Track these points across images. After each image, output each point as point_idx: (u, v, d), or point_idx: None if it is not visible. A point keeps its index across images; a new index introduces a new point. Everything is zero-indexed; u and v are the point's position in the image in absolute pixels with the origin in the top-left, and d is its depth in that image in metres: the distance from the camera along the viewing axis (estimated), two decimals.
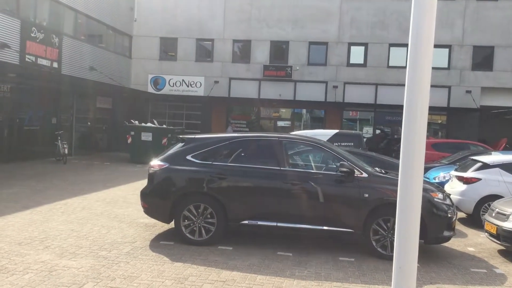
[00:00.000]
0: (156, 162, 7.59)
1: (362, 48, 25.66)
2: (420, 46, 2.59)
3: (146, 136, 19.82)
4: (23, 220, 8.18)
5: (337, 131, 15.42)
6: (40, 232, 7.42)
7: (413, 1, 2.63)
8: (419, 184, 2.64)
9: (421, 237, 6.01)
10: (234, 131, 24.41)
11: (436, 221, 6.93)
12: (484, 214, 9.01)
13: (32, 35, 17.74)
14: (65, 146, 18.03)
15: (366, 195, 6.96)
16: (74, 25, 21.61)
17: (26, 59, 17.31)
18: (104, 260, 6.18)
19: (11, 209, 9.03)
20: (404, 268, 2.65)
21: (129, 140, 20.10)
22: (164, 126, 21.80)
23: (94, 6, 22.64)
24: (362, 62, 25.66)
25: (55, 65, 19.28)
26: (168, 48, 27.40)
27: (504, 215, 7.52)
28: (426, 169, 12.39)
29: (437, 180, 11.99)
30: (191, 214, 7.20)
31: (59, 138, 18.11)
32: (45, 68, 18.34)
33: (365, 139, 17.47)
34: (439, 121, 26.80)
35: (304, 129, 25.15)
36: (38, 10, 19.20)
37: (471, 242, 8.55)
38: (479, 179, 10.04)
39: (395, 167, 9.00)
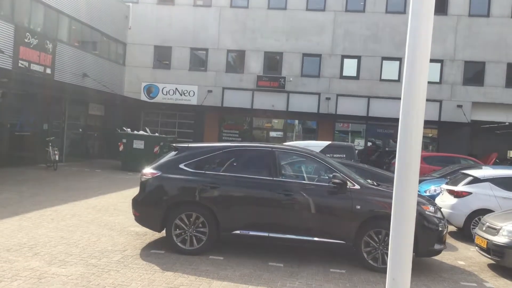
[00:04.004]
0: (148, 170, 7.55)
1: (355, 61, 25.84)
2: (417, 60, 2.62)
3: (138, 144, 19.75)
4: (12, 226, 8.09)
5: (329, 142, 15.49)
6: (29, 238, 7.34)
7: (410, 15, 2.67)
8: (413, 196, 2.65)
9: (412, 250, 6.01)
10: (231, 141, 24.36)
11: (427, 234, 6.95)
12: (474, 228, 9.06)
13: (26, 40, 17.68)
14: (56, 152, 17.91)
15: (358, 207, 6.96)
16: (68, 31, 21.58)
17: (19, 65, 17.22)
18: (94, 268, 6.12)
19: (0, 215, 8.94)
20: (398, 280, 2.65)
21: (121, 148, 20.02)
22: (157, 134, 21.74)
23: (89, 13, 22.63)
24: (355, 74, 25.82)
25: (48, 71, 19.20)
26: (162, 57, 27.41)
27: (495, 229, 7.57)
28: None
29: (428, 193, 12.06)
30: (182, 223, 7.17)
31: (50, 144, 17.99)
32: (38, 74, 18.26)
33: (356, 151, 17.54)
34: (430, 135, 26.98)
35: (296, 140, 25.20)
36: (33, 16, 19.15)
37: (462, 255, 8.59)
38: (469, 193, 10.11)
39: (387, 180, 9.06)
